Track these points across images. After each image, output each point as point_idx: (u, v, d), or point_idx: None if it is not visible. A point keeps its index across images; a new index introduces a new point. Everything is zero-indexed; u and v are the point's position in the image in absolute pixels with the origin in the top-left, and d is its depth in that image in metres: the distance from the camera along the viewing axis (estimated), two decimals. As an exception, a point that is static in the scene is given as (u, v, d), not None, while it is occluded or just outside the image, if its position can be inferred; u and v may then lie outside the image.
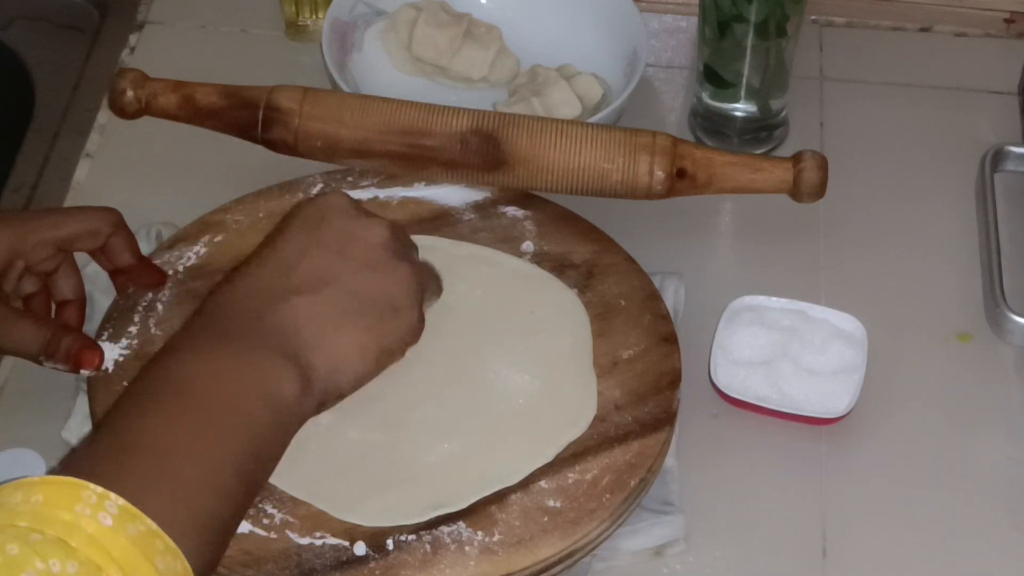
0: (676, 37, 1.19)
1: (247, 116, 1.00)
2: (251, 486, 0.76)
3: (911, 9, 1.20)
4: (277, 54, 1.17)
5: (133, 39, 1.19)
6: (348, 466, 0.85)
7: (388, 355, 0.85)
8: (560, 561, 0.83)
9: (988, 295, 0.99)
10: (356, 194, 0.98)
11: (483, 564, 0.81)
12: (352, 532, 0.83)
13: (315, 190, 1.00)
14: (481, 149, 0.98)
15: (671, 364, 0.91)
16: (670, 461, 0.90)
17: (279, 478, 0.83)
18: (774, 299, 0.98)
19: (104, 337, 0.92)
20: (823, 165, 0.99)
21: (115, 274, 0.94)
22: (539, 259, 0.96)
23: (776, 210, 1.03)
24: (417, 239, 0.90)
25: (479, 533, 0.83)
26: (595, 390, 0.89)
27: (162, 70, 1.03)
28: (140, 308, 0.93)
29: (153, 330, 0.92)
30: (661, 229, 1.04)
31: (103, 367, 0.89)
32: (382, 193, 1.00)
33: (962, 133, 1.12)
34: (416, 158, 0.99)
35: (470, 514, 0.83)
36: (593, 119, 1.03)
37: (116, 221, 0.92)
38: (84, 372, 0.88)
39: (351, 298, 0.82)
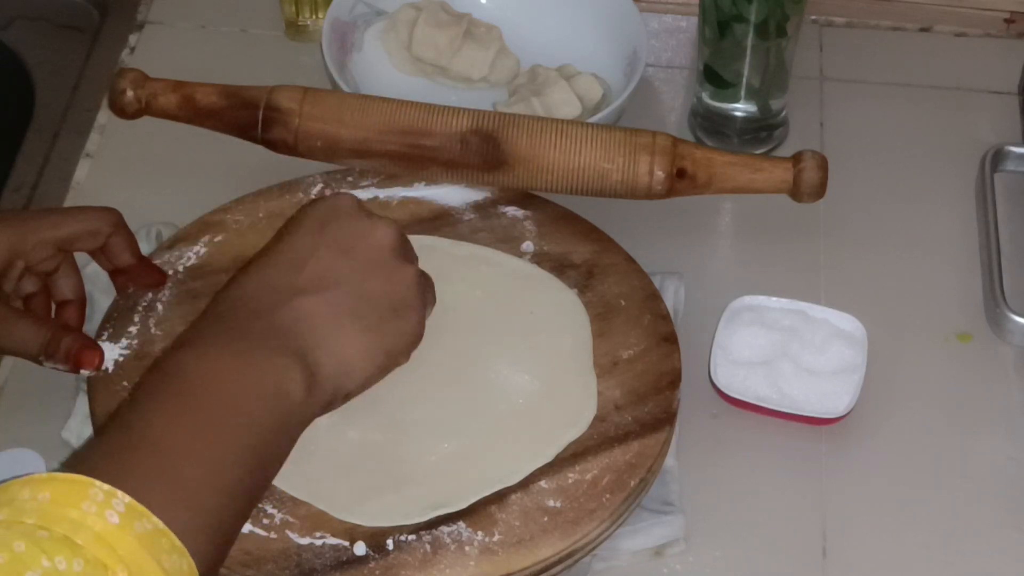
0: (676, 37, 1.19)
1: (247, 116, 1.00)
2: (257, 485, 0.76)
3: (911, 9, 1.20)
4: (277, 54, 1.17)
5: (133, 39, 1.19)
6: (348, 466, 0.85)
7: (394, 357, 0.85)
8: (560, 561, 0.83)
9: (988, 295, 0.99)
10: (356, 194, 0.98)
11: (483, 564, 0.81)
12: (352, 532, 0.83)
13: (315, 190, 1.00)
14: (481, 149, 0.98)
15: (671, 364, 0.91)
16: (670, 461, 0.90)
17: (279, 478, 0.83)
18: (774, 299, 0.98)
19: (104, 337, 0.92)
20: (823, 165, 0.99)
21: (115, 274, 0.94)
22: (539, 259, 0.96)
23: (776, 210, 1.03)
24: (417, 239, 0.90)
25: (479, 533, 0.83)
26: (595, 390, 0.89)
27: (162, 70, 1.03)
28: (140, 308, 0.93)
29: (153, 330, 0.92)
30: (661, 229, 1.04)
31: (103, 367, 0.89)
32: (382, 193, 1.00)
33: (962, 133, 1.12)
34: (416, 158, 0.99)
35: (470, 514, 0.83)
36: (593, 119, 1.03)
37: (116, 221, 0.92)
38: (84, 372, 0.88)
39: (358, 299, 0.82)
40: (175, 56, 1.16)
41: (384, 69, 1.13)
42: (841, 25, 1.20)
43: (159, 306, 0.94)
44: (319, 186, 1.00)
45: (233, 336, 0.79)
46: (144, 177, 1.08)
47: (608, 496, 0.84)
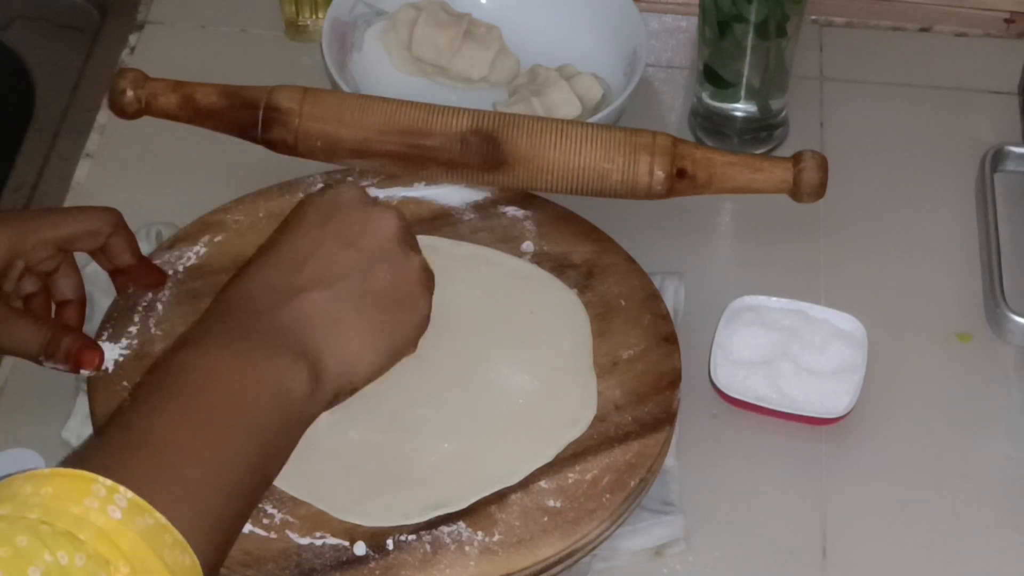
0: (676, 37, 1.19)
1: (247, 116, 1.00)
2: (260, 483, 0.76)
3: (911, 9, 1.20)
4: (277, 54, 1.17)
5: (133, 39, 1.19)
6: (348, 466, 0.85)
7: (401, 348, 0.85)
8: (560, 561, 0.83)
9: (988, 295, 0.99)
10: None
11: (483, 564, 0.81)
12: (352, 532, 0.83)
13: (315, 190, 1.00)
14: (481, 149, 0.98)
15: (671, 364, 0.91)
16: (670, 461, 0.90)
17: (279, 478, 0.83)
18: (774, 299, 0.98)
19: (104, 337, 0.92)
20: (823, 165, 0.99)
21: (115, 274, 0.94)
22: (539, 259, 0.96)
23: (776, 210, 1.03)
24: (417, 239, 0.90)
25: (479, 533, 0.83)
26: (595, 390, 0.89)
27: (162, 70, 1.03)
28: (140, 308, 0.93)
29: (153, 330, 0.92)
30: (661, 229, 1.04)
31: (103, 367, 0.89)
32: (382, 193, 1.00)
33: (962, 133, 1.12)
34: (416, 158, 0.99)
35: (470, 514, 0.83)
36: (593, 119, 1.03)
37: (116, 221, 0.92)
38: (84, 372, 0.88)
39: (363, 292, 0.82)
40: (175, 56, 1.16)
41: (384, 69, 1.13)
42: (841, 25, 1.20)
43: (159, 306, 0.94)
44: (319, 186, 1.00)
45: (235, 335, 0.79)
46: (144, 177, 1.08)
47: (608, 496, 0.84)
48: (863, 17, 1.20)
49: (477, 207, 0.99)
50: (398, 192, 1.00)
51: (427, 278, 0.86)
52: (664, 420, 0.88)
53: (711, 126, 1.10)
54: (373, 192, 0.99)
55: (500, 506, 0.84)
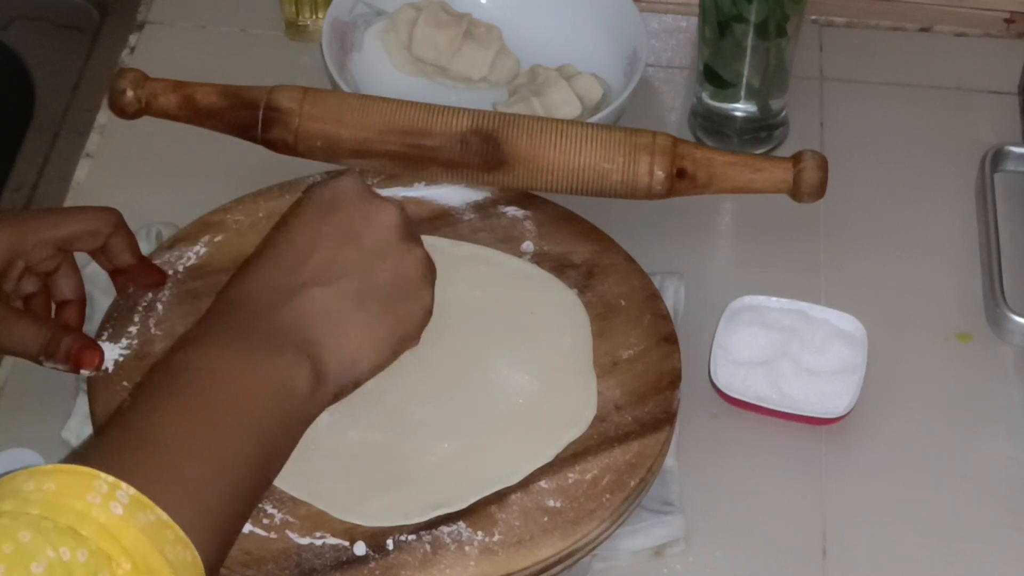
0: (676, 37, 1.19)
1: (247, 116, 1.00)
2: (262, 480, 0.76)
3: (911, 9, 1.20)
4: (277, 54, 1.17)
5: (133, 39, 1.19)
6: (348, 466, 0.85)
7: (404, 341, 0.85)
8: (560, 561, 0.83)
9: (988, 295, 0.99)
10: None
11: (483, 564, 0.81)
12: (352, 532, 0.83)
13: (315, 181, 0.99)
14: (481, 149, 0.98)
15: (671, 364, 0.91)
16: (670, 461, 0.90)
17: (279, 478, 0.83)
18: (774, 299, 0.98)
19: (104, 337, 0.92)
20: (823, 165, 0.99)
21: (115, 274, 0.94)
22: (539, 259, 0.96)
23: (776, 210, 1.03)
24: (418, 231, 0.90)
25: (479, 533, 0.83)
26: (595, 390, 0.89)
27: (162, 70, 1.03)
28: (140, 308, 0.93)
29: (153, 330, 0.92)
30: (661, 229, 1.04)
31: (103, 367, 0.89)
32: (382, 193, 0.99)
33: (962, 133, 1.12)
34: (416, 158, 0.99)
35: (470, 514, 0.83)
36: (593, 119, 1.03)
37: (116, 221, 0.92)
38: (84, 372, 0.88)
39: (365, 288, 0.82)
40: (175, 56, 1.16)
41: (384, 69, 1.13)
42: (841, 25, 1.20)
43: (159, 306, 0.94)
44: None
45: (237, 334, 0.79)
46: (144, 177, 1.08)
47: (608, 496, 0.84)
48: (863, 17, 1.20)
49: (477, 207, 0.99)
50: (398, 192, 1.00)
51: (429, 271, 0.86)
52: (664, 420, 0.88)
53: (711, 126, 1.10)
54: (373, 192, 1.00)
55: (500, 506, 0.84)
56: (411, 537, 0.82)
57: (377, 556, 0.82)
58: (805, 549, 0.90)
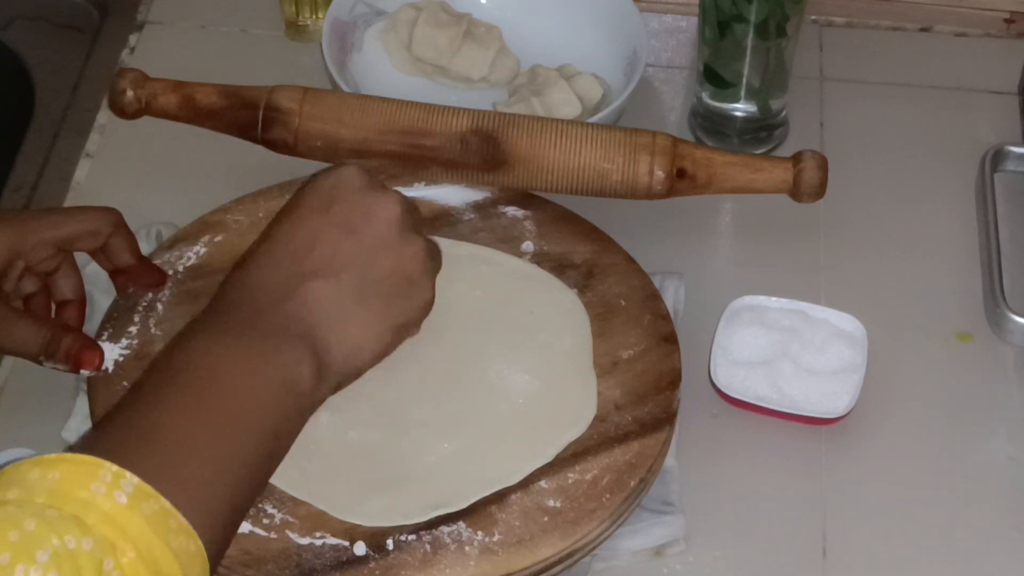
0: (676, 37, 1.19)
1: (247, 116, 1.00)
2: (265, 470, 0.77)
3: (911, 9, 1.20)
4: (277, 54, 1.17)
5: (133, 39, 1.19)
6: (348, 466, 0.85)
7: (404, 331, 0.85)
8: (560, 561, 0.83)
9: (988, 295, 0.99)
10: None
11: (483, 564, 0.81)
12: (352, 532, 0.83)
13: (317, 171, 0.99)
14: (481, 149, 0.98)
15: (671, 364, 0.91)
16: (670, 461, 0.90)
17: (279, 478, 0.83)
18: (774, 299, 0.98)
19: (104, 337, 0.92)
20: (823, 165, 0.99)
21: (115, 274, 0.94)
22: (539, 259, 0.96)
23: (776, 210, 1.03)
24: (422, 217, 0.90)
25: (479, 533, 0.83)
26: (595, 390, 0.89)
27: (162, 70, 1.03)
28: (140, 308, 0.93)
29: (153, 330, 0.92)
30: (661, 229, 1.04)
31: (103, 367, 0.89)
32: (382, 193, 1.00)
33: (962, 133, 1.12)
34: (416, 158, 0.99)
35: (470, 514, 0.83)
36: (593, 119, 1.03)
37: (116, 221, 0.92)
38: (84, 372, 0.88)
39: (367, 280, 0.83)
40: (175, 56, 1.16)
41: (384, 69, 1.13)
42: (841, 25, 1.20)
43: (159, 306, 0.94)
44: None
45: (241, 326, 0.79)
46: (144, 177, 1.08)
47: (608, 496, 0.84)
48: (863, 17, 1.20)
49: (477, 207, 0.99)
50: (398, 192, 1.00)
51: (431, 262, 0.86)
52: (664, 420, 0.88)
53: (711, 126, 1.10)
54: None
55: (500, 506, 0.84)
56: (411, 537, 0.82)
57: (377, 556, 0.82)
58: (805, 549, 0.90)
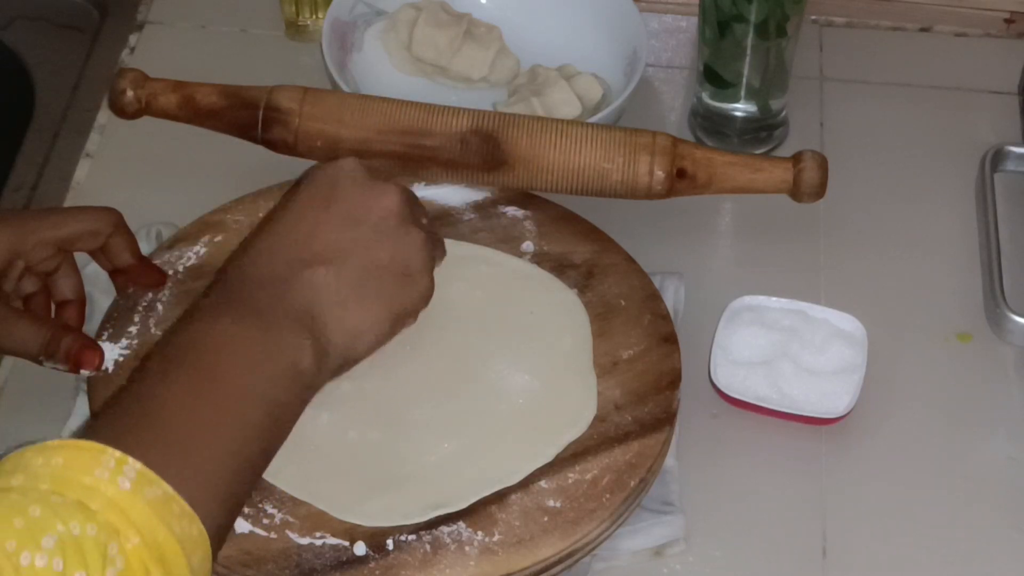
0: (676, 37, 1.19)
1: (247, 116, 1.00)
2: (266, 454, 0.77)
3: (911, 9, 1.20)
4: (277, 54, 1.17)
5: (133, 39, 1.19)
6: (348, 466, 0.85)
7: (402, 320, 0.86)
8: (560, 561, 0.83)
9: (988, 295, 0.99)
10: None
11: (483, 564, 0.81)
12: (352, 532, 0.83)
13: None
14: (481, 149, 0.98)
15: (671, 364, 0.91)
16: (670, 461, 0.90)
17: (279, 478, 0.83)
18: (774, 299, 0.98)
19: (104, 337, 0.92)
20: (823, 165, 0.99)
21: (115, 274, 0.94)
22: (539, 259, 0.96)
23: (776, 210, 1.03)
24: (424, 207, 0.90)
25: (479, 533, 0.83)
26: (595, 390, 0.89)
27: (162, 70, 1.03)
28: (140, 308, 0.93)
29: (153, 330, 0.92)
30: (661, 229, 1.04)
31: (103, 367, 0.89)
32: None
33: (962, 133, 1.12)
34: (416, 158, 0.99)
35: (470, 514, 0.83)
36: (593, 119, 1.03)
37: (116, 221, 0.92)
38: (84, 372, 0.88)
39: (367, 268, 0.83)
40: (175, 56, 1.16)
41: (384, 69, 1.13)
42: (841, 25, 1.20)
43: (159, 306, 0.94)
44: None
45: (243, 310, 0.79)
46: (144, 177, 1.08)
47: (608, 496, 0.84)
48: (863, 17, 1.20)
49: (477, 207, 0.99)
50: (398, 192, 1.00)
51: (430, 253, 0.87)
52: (664, 420, 0.88)
53: (711, 126, 1.10)
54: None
55: (500, 506, 0.84)
56: (411, 537, 0.82)
57: (377, 556, 0.82)
58: (805, 549, 0.90)
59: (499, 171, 0.99)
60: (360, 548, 0.82)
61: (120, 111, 1.02)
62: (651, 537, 0.88)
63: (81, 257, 0.94)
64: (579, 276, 0.95)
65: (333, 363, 0.82)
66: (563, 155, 0.98)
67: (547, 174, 0.98)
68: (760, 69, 1.06)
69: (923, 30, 1.20)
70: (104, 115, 1.12)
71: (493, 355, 0.90)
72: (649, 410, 0.88)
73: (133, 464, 0.67)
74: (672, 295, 0.98)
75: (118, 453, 0.67)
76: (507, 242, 0.97)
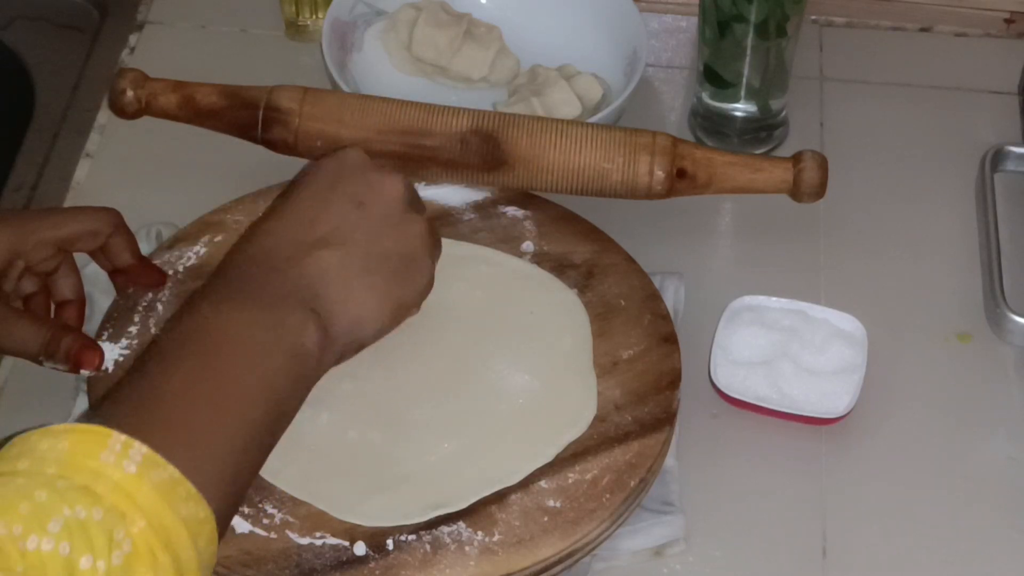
0: (676, 37, 1.19)
1: (247, 116, 1.00)
2: (271, 437, 0.77)
3: (911, 9, 1.20)
4: (277, 54, 1.17)
5: (133, 39, 1.19)
6: (348, 466, 0.85)
7: (405, 308, 0.86)
8: (560, 561, 0.83)
9: (988, 295, 0.99)
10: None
11: (483, 564, 0.81)
12: (352, 532, 0.83)
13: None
14: (481, 149, 0.98)
15: (671, 364, 0.91)
16: (670, 461, 0.90)
17: (279, 478, 0.83)
18: (774, 299, 0.98)
19: (104, 337, 0.92)
20: (823, 165, 0.99)
21: (115, 274, 0.94)
22: (539, 259, 0.96)
23: (776, 210, 1.03)
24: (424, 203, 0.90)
25: (479, 533, 0.83)
26: (595, 390, 0.89)
27: (162, 70, 1.03)
28: (140, 308, 0.93)
29: (153, 330, 0.92)
30: (661, 229, 1.04)
31: (103, 367, 0.89)
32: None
33: (962, 133, 1.12)
34: (416, 158, 0.99)
35: (470, 514, 0.83)
36: (593, 119, 1.03)
37: (116, 221, 0.92)
38: (84, 372, 0.88)
39: (371, 253, 0.83)
40: (175, 56, 1.16)
41: (384, 69, 1.13)
42: (841, 25, 1.20)
43: (159, 306, 0.94)
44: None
45: (252, 290, 0.79)
46: (144, 177, 1.08)
47: (608, 496, 0.84)
48: (863, 17, 1.20)
49: (477, 207, 0.99)
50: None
51: (432, 242, 0.87)
52: (664, 420, 0.88)
53: (711, 126, 1.10)
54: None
55: (500, 506, 0.84)
56: (411, 537, 0.82)
57: (377, 556, 0.82)
58: (805, 549, 0.90)
59: (499, 171, 0.99)
60: (360, 548, 0.82)
61: (120, 111, 1.02)
62: (651, 537, 0.88)
63: (81, 257, 0.94)
64: (579, 276, 0.95)
65: (337, 349, 0.81)
66: (563, 155, 0.98)
67: (547, 174, 0.98)
68: (760, 69, 1.06)
69: (923, 30, 1.20)
70: (104, 115, 1.12)
71: (493, 355, 0.90)
72: (649, 410, 0.88)
73: (139, 447, 0.67)
74: (672, 295, 0.98)
75: (124, 436, 0.67)
76: (507, 242, 0.97)
